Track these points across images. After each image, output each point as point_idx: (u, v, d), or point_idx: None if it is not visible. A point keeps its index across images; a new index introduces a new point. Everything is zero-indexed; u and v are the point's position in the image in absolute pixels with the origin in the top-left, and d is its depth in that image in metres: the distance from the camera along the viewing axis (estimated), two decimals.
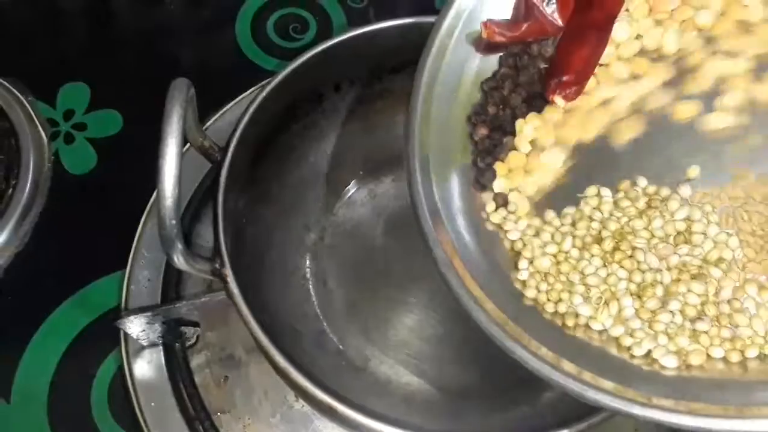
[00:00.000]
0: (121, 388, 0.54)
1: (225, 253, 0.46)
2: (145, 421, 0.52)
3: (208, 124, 0.63)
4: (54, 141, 0.65)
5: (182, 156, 0.40)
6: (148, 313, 0.51)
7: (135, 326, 0.52)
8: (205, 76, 0.69)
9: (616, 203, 0.41)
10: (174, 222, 0.40)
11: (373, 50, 0.55)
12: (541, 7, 0.42)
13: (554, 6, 0.42)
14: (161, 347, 0.55)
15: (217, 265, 0.46)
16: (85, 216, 0.62)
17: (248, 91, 0.63)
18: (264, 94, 0.51)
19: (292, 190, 0.57)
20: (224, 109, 0.64)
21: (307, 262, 0.58)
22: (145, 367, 0.54)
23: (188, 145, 0.48)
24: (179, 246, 0.41)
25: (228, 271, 0.45)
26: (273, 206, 0.56)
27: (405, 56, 0.56)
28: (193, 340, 0.55)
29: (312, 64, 0.53)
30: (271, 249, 0.56)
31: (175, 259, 0.42)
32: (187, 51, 0.71)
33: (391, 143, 0.61)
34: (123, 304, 0.56)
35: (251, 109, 0.50)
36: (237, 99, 0.63)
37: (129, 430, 0.54)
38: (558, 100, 0.43)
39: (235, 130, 0.49)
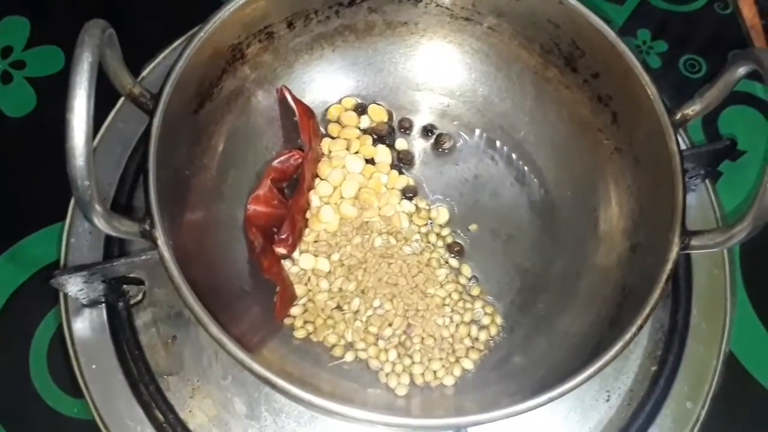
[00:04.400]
0: (61, 349, 0.51)
1: (156, 212, 0.42)
2: (85, 385, 0.49)
3: (156, 62, 0.58)
4: None
5: (93, 107, 0.36)
6: (85, 272, 0.47)
7: (72, 285, 0.48)
8: (157, 10, 0.65)
9: None
10: (87, 183, 0.36)
11: None
12: None
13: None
14: (104, 305, 0.51)
15: (146, 226, 0.42)
16: (23, 163, 0.58)
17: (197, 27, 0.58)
18: (203, 33, 0.46)
19: (240, 138, 0.53)
20: (173, 45, 0.59)
21: None
22: (86, 327, 0.51)
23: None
24: (97, 207, 0.38)
25: (158, 233, 0.42)
26: (220, 156, 0.52)
27: None
28: (138, 298, 0.52)
29: None
30: (218, 202, 0.52)
31: (96, 222, 0.38)
32: None
33: (352, 85, 0.57)
34: (62, 260, 0.53)
35: (188, 51, 0.46)
36: (185, 36, 0.58)
37: (70, 393, 0.51)
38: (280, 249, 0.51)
39: (168, 74, 0.45)
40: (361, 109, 0.57)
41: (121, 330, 0.51)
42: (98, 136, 0.55)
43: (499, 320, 0.51)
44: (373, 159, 0.55)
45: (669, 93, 0.48)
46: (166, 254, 0.41)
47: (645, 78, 0.47)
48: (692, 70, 0.64)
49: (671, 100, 0.48)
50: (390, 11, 0.54)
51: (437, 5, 0.54)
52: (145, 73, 0.58)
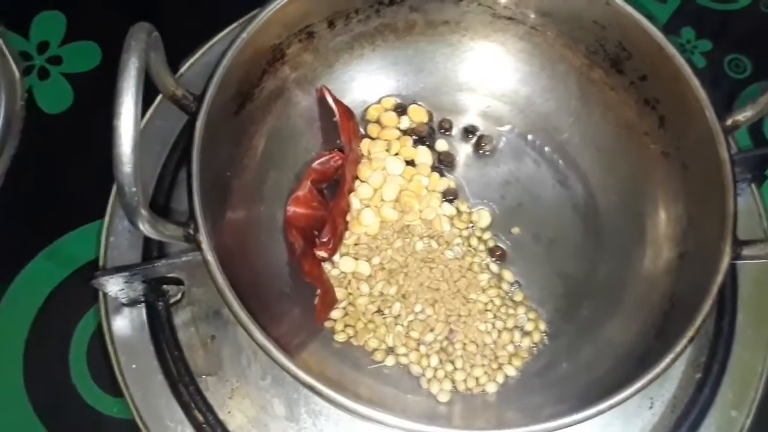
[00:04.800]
0: (100, 348, 0.51)
1: (200, 217, 0.42)
2: (126, 385, 0.49)
3: (195, 59, 0.57)
4: (27, 77, 0.59)
5: (141, 112, 0.36)
6: (126, 273, 0.47)
7: (112, 286, 0.48)
8: (192, 5, 0.64)
9: None
10: (134, 189, 0.36)
11: None
12: None
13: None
14: (143, 304, 0.51)
15: (190, 230, 0.41)
16: (61, 160, 0.57)
17: (235, 24, 0.57)
18: (245, 34, 0.46)
19: (280, 139, 0.52)
20: (210, 42, 0.58)
21: None
22: (126, 326, 0.51)
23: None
24: (143, 213, 0.37)
25: (202, 237, 0.41)
26: (260, 157, 0.51)
27: None
28: (177, 297, 0.52)
29: None
30: (258, 204, 0.51)
31: (141, 227, 0.38)
32: None
33: (392, 85, 0.56)
34: (101, 259, 0.52)
35: (230, 52, 0.45)
36: (223, 32, 0.58)
37: (109, 392, 0.51)
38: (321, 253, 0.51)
39: (211, 75, 0.44)
40: (400, 110, 0.56)
41: (161, 330, 0.50)
42: None
43: (542, 326, 0.50)
44: (413, 160, 0.54)
45: (713, 93, 0.47)
46: (211, 259, 0.41)
47: (695, 83, 0.46)
48: (737, 70, 0.63)
49: (715, 101, 0.47)
50: (431, 10, 0.54)
51: (479, 4, 0.53)
52: (182, 70, 0.57)
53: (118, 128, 0.35)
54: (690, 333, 0.41)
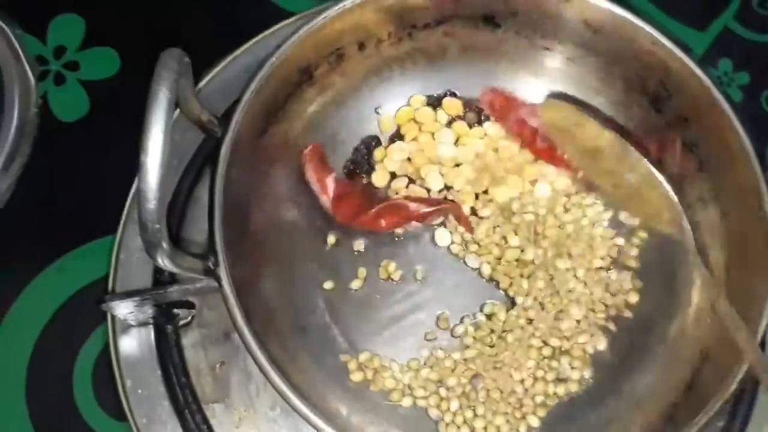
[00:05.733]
0: (106, 368, 0.49)
1: (221, 252, 0.40)
2: (130, 409, 0.48)
3: (214, 73, 0.55)
4: (42, 82, 0.57)
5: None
6: (137, 298, 0.46)
7: (122, 309, 0.47)
8: (214, 15, 0.62)
9: None
10: (158, 227, 0.34)
11: (404, 3, 0.48)
12: None
13: None
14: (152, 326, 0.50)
15: (210, 264, 0.40)
16: (74, 170, 0.56)
17: (257, 37, 0.56)
18: (274, 59, 0.44)
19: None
20: (230, 57, 0.56)
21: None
22: (134, 347, 0.49)
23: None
24: (165, 247, 0.36)
25: (223, 272, 0.40)
26: (282, 182, 0.50)
27: (440, 11, 0.50)
28: (187, 320, 0.50)
29: (333, 20, 0.46)
30: (277, 231, 0.50)
31: (160, 261, 0.37)
32: None
33: None
34: (111, 279, 0.50)
35: (259, 77, 0.44)
36: (244, 47, 0.56)
37: (112, 415, 0.49)
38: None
39: (238, 100, 0.43)
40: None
41: (169, 354, 0.49)
42: None
43: (587, 373, 0.48)
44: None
45: (748, 128, 0.46)
46: (231, 297, 0.39)
47: (742, 135, 0.45)
48: None
49: (749, 136, 0.45)
50: (465, 36, 0.52)
51: (516, 32, 0.51)
52: (201, 85, 0.54)
53: (145, 164, 0.33)
54: (724, 395, 0.40)
